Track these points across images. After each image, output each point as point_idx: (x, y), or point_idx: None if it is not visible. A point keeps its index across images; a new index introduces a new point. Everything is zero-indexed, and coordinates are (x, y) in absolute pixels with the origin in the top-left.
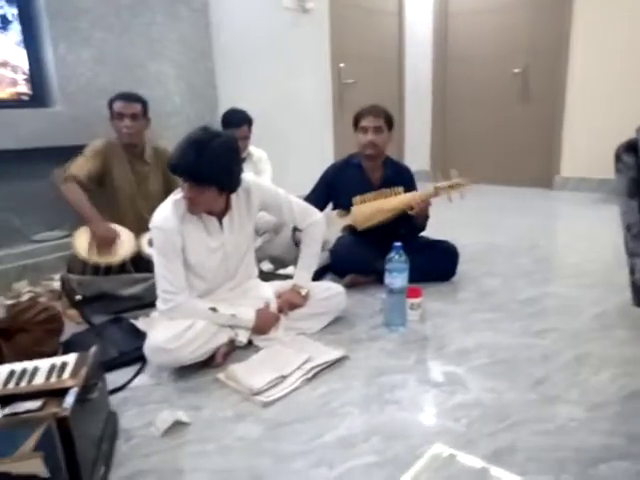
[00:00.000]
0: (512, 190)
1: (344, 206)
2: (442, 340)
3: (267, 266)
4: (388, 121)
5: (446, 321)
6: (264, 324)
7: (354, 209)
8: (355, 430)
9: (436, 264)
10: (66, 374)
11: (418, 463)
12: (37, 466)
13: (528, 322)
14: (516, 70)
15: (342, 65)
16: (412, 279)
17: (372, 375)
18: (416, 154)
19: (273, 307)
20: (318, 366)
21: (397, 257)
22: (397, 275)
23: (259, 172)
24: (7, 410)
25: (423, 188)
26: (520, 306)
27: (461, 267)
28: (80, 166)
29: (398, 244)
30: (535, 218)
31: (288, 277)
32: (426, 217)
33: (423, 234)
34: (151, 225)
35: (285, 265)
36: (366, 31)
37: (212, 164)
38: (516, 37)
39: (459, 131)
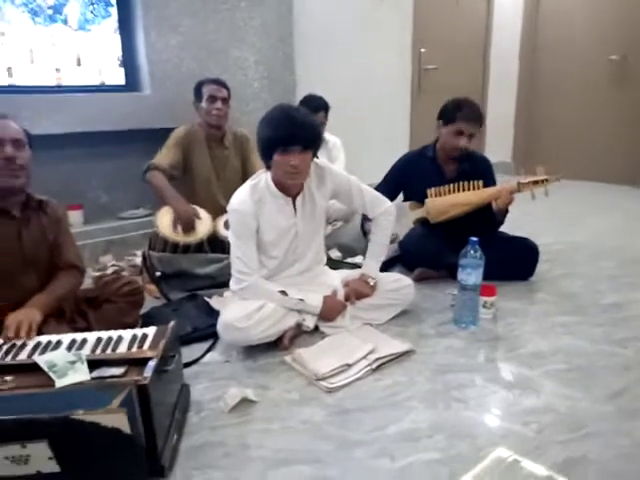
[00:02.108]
0: (598, 186)
1: (416, 197)
2: (515, 341)
3: (336, 254)
4: (482, 125)
5: (521, 322)
6: (331, 311)
7: (428, 201)
8: (419, 425)
9: (514, 262)
10: (146, 345)
11: (480, 465)
12: (122, 421)
13: (609, 329)
14: (613, 57)
15: (423, 50)
16: (486, 276)
17: (439, 371)
18: (498, 145)
19: (340, 295)
20: (383, 357)
21: (472, 252)
22: (471, 271)
23: (333, 159)
24: (95, 373)
25: (504, 180)
26: (602, 311)
27: (540, 266)
28: (163, 157)
29: (474, 239)
30: (622, 218)
31: (356, 266)
32: (506, 212)
33: (501, 229)
34: (229, 208)
35: (354, 254)
36: (451, 16)
37: (316, 127)
38: (613, 21)
39: (544, 122)
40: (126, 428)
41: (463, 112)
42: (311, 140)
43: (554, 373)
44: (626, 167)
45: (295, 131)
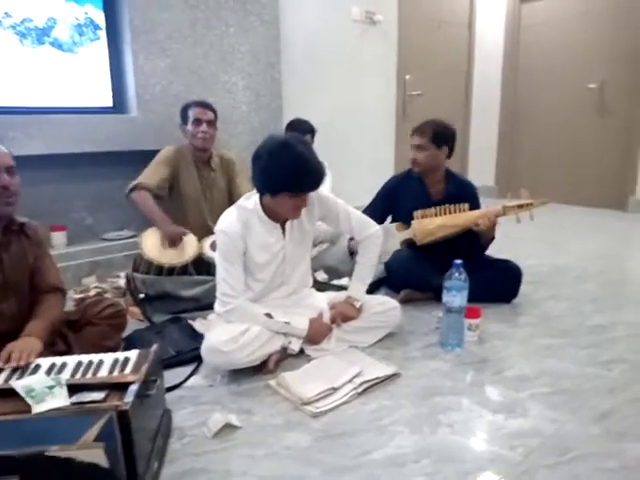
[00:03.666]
0: (582, 210)
1: (403, 219)
2: (501, 364)
3: (322, 276)
4: (436, 138)
5: (506, 344)
6: (317, 334)
7: (415, 223)
8: (405, 449)
9: (497, 284)
10: (128, 369)
11: None
12: (99, 456)
13: (594, 351)
14: (591, 85)
15: (408, 77)
16: (471, 299)
17: (425, 395)
18: (480, 169)
19: (326, 317)
20: (369, 381)
21: (457, 275)
22: (456, 294)
23: None
24: (74, 398)
25: (487, 205)
26: (586, 333)
27: (524, 288)
28: (149, 175)
29: (458, 261)
30: (606, 241)
31: (342, 288)
32: (492, 238)
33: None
34: (216, 229)
35: (340, 276)
36: (435, 43)
37: (324, 169)
38: (592, 50)
39: (527, 147)
40: (104, 462)
41: (413, 129)
42: (320, 183)
43: (540, 396)
44: (608, 191)
45: (316, 180)
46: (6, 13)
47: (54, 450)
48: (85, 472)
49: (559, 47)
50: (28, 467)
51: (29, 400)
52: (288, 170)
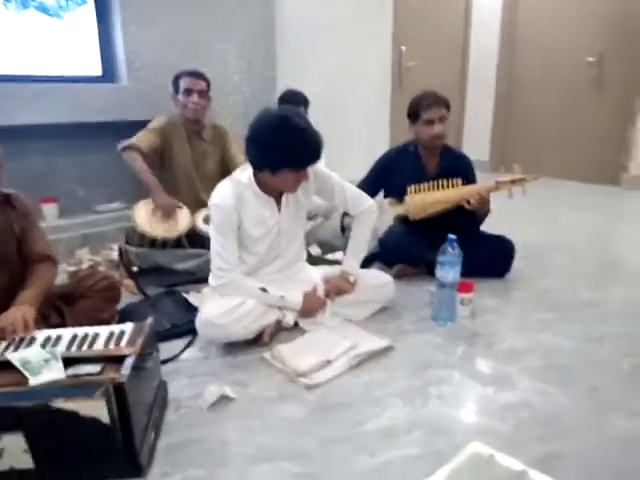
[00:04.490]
0: (576, 185)
1: (397, 194)
2: (492, 338)
3: (315, 250)
4: (448, 107)
5: (498, 319)
6: (311, 307)
7: (408, 198)
8: (398, 421)
9: (490, 259)
10: (124, 342)
11: (455, 460)
12: (101, 410)
13: (586, 326)
14: (590, 59)
15: (404, 48)
16: (464, 273)
17: (417, 367)
18: (475, 142)
19: (320, 291)
20: (363, 354)
21: (450, 250)
22: (449, 268)
23: None
24: (70, 371)
25: (481, 180)
26: (578, 308)
27: (517, 264)
28: (142, 139)
29: (452, 236)
30: (599, 217)
31: (336, 262)
32: (487, 212)
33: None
34: (210, 203)
35: (334, 250)
36: (431, 13)
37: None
38: (591, 22)
39: (523, 120)
40: (105, 418)
41: (425, 101)
42: (320, 156)
43: (531, 370)
44: (605, 166)
45: (318, 153)
46: None
47: (59, 402)
48: (87, 427)
49: (558, 19)
50: (33, 422)
51: (25, 372)
52: (291, 146)
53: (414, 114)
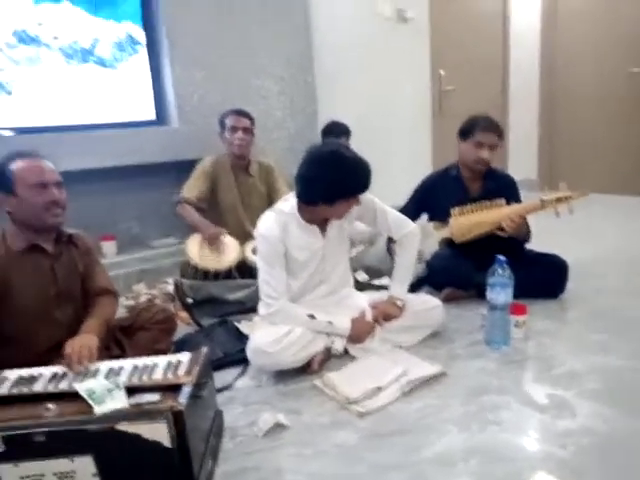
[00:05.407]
0: (627, 200)
1: (441, 217)
2: (549, 361)
3: (362, 276)
4: (501, 136)
5: (553, 341)
6: (360, 333)
7: (452, 221)
8: (454, 448)
9: (543, 280)
10: (181, 371)
11: None
12: (163, 433)
13: None
14: (635, 69)
15: (442, 72)
16: (516, 295)
17: (471, 394)
18: (521, 162)
19: (368, 317)
20: (415, 380)
21: (500, 271)
22: (500, 290)
23: None
24: (132, 400)
25: (529, 198)
26: (637, 327)
27: (570, 283)
28: (190, 189)
29: (501, 257)
30: None
31: (383, 287)
32: (527, 233)
33: (529, 246)
34: (256, 233)
35: (380, 275)
36: (468, 36)
37: None
38: (634, 32)
39: (569, 137)
40: (167, 442)
41: (480, 124)
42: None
43: (590, 393)
44: None
45: (369, 180)
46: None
47: (124, 425)
48: (150, 450)
49: (598, 31)
50: (100, 445)
51: (91, 402)
52: (345, 177)
53: (467, 132)
